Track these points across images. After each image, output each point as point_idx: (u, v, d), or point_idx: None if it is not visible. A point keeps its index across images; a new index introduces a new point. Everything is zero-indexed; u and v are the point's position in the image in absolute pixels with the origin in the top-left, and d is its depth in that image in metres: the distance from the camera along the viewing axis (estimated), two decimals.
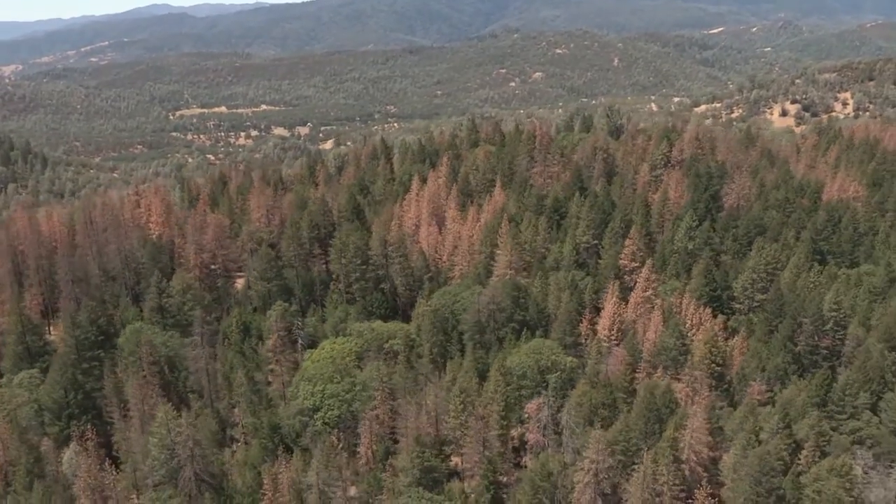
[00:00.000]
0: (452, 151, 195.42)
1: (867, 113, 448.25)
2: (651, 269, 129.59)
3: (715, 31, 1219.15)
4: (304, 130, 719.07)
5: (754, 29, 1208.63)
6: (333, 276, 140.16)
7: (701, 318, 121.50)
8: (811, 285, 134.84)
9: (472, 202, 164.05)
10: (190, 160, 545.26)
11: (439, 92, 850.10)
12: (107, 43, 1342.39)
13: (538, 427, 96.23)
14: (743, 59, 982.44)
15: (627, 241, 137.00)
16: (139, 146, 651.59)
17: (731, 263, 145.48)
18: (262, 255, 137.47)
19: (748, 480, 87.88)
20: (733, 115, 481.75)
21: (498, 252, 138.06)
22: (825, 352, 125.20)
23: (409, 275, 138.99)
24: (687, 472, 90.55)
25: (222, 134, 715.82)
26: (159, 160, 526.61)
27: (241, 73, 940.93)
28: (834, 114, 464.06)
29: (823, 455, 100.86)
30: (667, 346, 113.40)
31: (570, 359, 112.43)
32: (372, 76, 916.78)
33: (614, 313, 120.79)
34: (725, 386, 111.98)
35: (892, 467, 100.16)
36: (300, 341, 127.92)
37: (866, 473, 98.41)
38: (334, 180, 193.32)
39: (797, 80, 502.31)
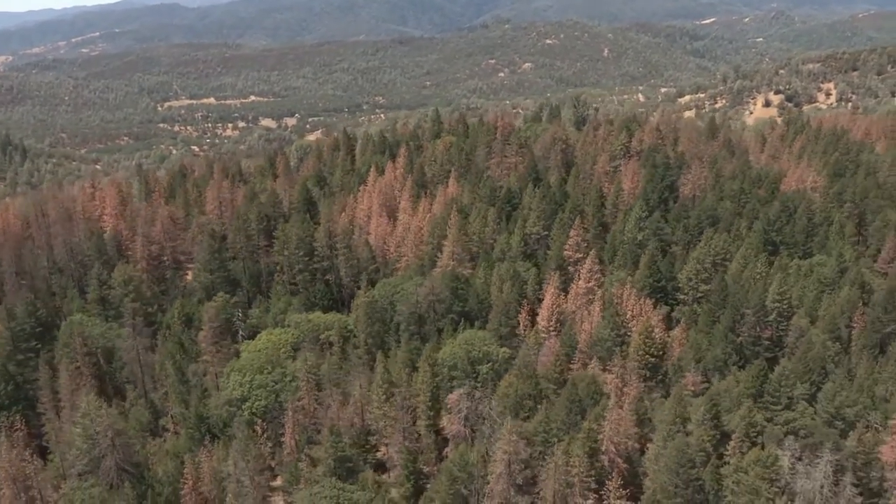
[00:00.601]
0: (414, 143, 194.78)
1: (850, 103, 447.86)
2: (594, 260, 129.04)
3: (707, 21, 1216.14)
4: (291, 121, 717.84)
5: (746, 19, 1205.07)
6: (278, 268, 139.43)
7: (641, 310, 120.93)
8: (757, 276, 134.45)
9: (426, 194, 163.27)
10: (174, 151, 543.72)
11: (428, 83, 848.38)
12: (98, 34, 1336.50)
13: (459, 418, 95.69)
14: (734, 49, 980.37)
15: (572, 232, 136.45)
16: (126, 138, 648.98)
17: (681, 254, 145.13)
18: (205, 247, 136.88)
19: (665, 471, 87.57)
20: (717, 106, 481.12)
21: (443, 243, 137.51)
22: (767, 343, 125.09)
23: (354, 266, 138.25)
24: (606, 463, 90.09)
25: (209, 125, 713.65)
26: (142, 151, 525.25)
27: (231, 64, 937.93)
28: (817, 104, 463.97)
29: (754, 446, 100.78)
30: (602, 338, 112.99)
31: (503, 350, 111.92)
32: (361, 67, 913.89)
33: (553, 304, 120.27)
34: (660, 377, 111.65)
35: (819, 458, 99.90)
36: (241, 332, 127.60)
37: (793, 466, 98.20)
38: (294, 172, 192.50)
39: (781, 71, 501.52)
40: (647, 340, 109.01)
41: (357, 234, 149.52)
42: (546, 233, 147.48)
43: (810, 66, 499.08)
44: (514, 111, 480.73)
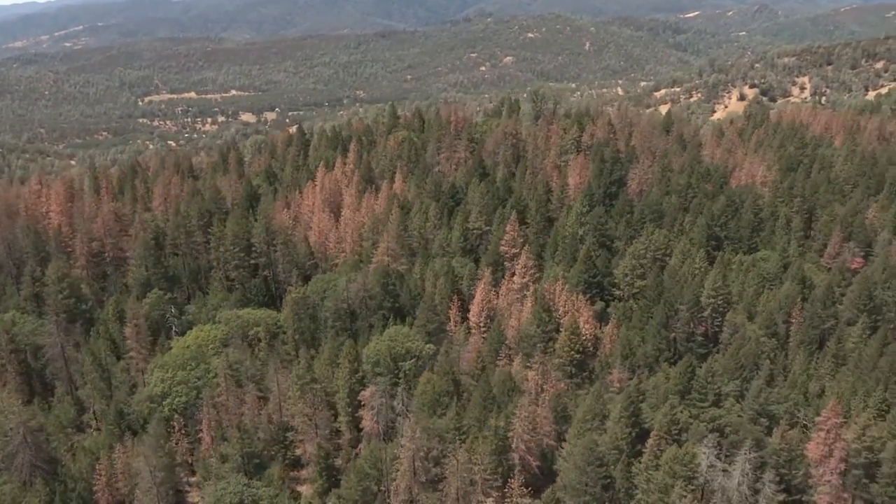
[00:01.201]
0: (367, 138, 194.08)
1: (824, 97, 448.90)
2: (528, 256, 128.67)
3: (691, 15, 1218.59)
4: (271, 116, 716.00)
5: (730, 13, 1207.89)
6: (214, 264, 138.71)
7: (574, 306, 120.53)
8: (696, 271, 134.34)
9: (373, 189, 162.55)
10: (150, 146, 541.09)
11: (409, 76, 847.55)
12: (81, 27, 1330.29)
13: (372, 415, 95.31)
14: (716, 43, 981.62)
15: (508, 228, 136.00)
16: (104, 133, 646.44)
17: (623, 250, 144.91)
18: (141, 243, 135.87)
19: (574, 469, 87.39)
20: (692, 100, 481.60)
21: (379, 239, 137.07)
22: (701, 339, 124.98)
23: (292, 262, 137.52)
24: (517, 461, 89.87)
25: (189, 120, 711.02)
26: (118, 147, 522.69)
27: (213, 58, 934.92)
28: (791, 98, 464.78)
29: (677, 444, 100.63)
30: (528, 334, 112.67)
31: (428, 346, 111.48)
32: (343, 61, 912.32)
33: (483, 300, 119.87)
34: (586, 374, 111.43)
35: (734, 455, 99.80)
36: (174, 329, 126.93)
37: (712, 463, 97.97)
38: (248, 168, 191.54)
39: (756, 65, 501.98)
40: (572, 337, 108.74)
41: (300, 230, 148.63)
42: (488, 228, 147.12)
43: (786, 59, 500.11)
44: (492, 105, 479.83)
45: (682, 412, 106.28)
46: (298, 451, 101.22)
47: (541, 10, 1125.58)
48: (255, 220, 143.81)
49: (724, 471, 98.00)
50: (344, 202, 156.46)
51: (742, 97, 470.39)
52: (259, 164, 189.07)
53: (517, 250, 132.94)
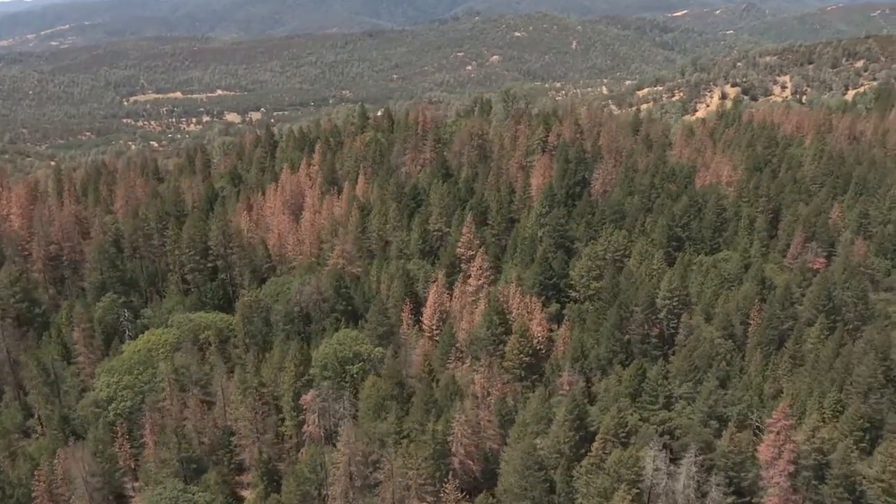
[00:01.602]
0: (335, 139, 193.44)
1: (804, 96, 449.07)
2: (483, 258, 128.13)
3: (679, 13, 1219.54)
4: (256, 116, 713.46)
5: (717, 11, 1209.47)
6: (171, 267, 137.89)
7: (527, 308, 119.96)
8: (654, 273, 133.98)
9: (336, 191, 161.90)
10: (133, 147, 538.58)
11: (395, 76, 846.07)
12: (67, 26, 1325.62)
13: (313, 418, 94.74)
14: (703, 41, 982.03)
15: (464, 230, 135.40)
16: (88, 133, 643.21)
17: (583, 251, 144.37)
18: (96, 247, 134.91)
19: (512, 473, 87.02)
20: (674, 98, 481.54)
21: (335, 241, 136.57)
22: (655, 341, 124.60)
23: (248, 265, 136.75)
24: (456, 465, 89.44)
25: (173, 120, 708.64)
26: (100, 147, 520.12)
27: (199, 58, 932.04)
28: (773, 97, 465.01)
29: (623, 447, 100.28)
30: (478, 337, 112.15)
31: (377, 349, 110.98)
32: (330, 60, 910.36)
33: (436, 302, 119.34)
34: (536, 377, 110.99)
35: (680, 458, 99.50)
36: (128, 332, 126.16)
37: (657, 467, 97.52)
38: (217, 169, 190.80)
39: (738, 64, 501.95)
40: (521, 340, 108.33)
41: (259, 232, 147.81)
42: (448, 230, 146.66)
43: (767, 58, 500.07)
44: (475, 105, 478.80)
45: (631, 415, 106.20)
46: (241, 456, 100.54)
47: (529, 9, 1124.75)
48: (219, 222, 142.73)
49: (670, 474, 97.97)
50: (305, 204, 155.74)
51: (724, 96, 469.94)
52: (225, 166, 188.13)
53: (473, 252, 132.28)
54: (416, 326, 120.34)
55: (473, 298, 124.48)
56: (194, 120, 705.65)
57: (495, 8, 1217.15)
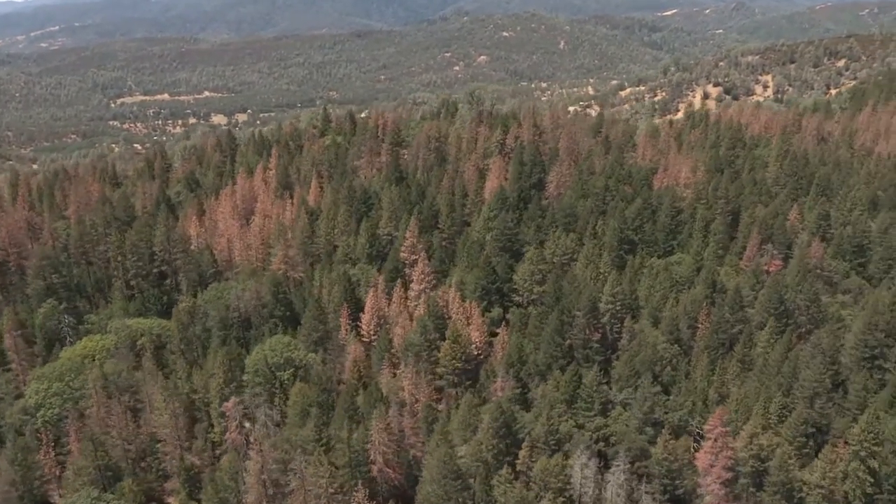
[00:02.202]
0: (294, 142, 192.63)
1: (786, 95, 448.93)
2: (425, 262, 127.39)
3: (669, 13, 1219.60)
4: (243, 117, 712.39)
5: (707, 11, 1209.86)
6: (115, 273, 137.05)
7: (466, 313, 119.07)
8: (600, 276, 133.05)
9: (289, 195, 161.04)
10: (116, 149, 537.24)
11: (383, 77, 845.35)
12: (57, 28, 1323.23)
13: (234, 425, 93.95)
14: (692, 41, 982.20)
15: (407, 234, 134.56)
16: (73, 135, 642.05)
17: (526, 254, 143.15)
18: (38, 253, 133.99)
19: (429, 481, 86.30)
20: (656, 98, 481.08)
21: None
22: (597, 345, 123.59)
23: (193, 271, 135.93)
24: (375, 473, 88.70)
25: (159, 122, 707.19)
26: (83, 150, 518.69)
27: (187, 59, 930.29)
28: (755, 96, 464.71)
29: (553, 454, 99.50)
30: (412, 342, 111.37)
31: (310, 355, 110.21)
32: (317, 61, 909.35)
33: (374, 308, 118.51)
34: (469, 383, 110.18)
35: (609, 465, 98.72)
36: (68, 339, 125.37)
37: (586, 475, 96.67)
38: (174, 174, 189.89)
39: (720, 63, 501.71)
40: (453, 346, 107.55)
41: (206, 237, 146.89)
42: (397, 234, 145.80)
43: (749, 58, 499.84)
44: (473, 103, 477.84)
45: (566, 421, 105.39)
46: (166, 463, 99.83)
47: (518, 9, 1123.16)
48: (163, 227, 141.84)
49: (598, 482, 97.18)
50: (256, 209, 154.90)
51: (706, 95, 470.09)
52: (183, 171, 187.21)
53: (416, 256, 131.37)
54: (354, 332, 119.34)
55: (416, 304, 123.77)
56: (180, 122, 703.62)
57: (484, 8, 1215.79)
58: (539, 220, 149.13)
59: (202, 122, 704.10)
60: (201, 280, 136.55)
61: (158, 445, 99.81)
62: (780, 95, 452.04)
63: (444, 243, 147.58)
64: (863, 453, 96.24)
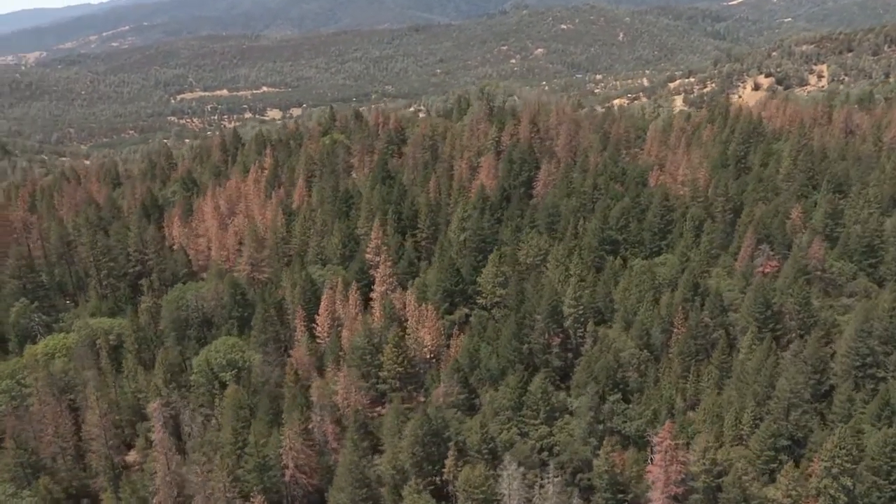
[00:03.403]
0: (295, 141, 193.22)
1: (841, 85, 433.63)
2: (387, 264, 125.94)
3: (734, 1, 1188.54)
4: (297, 112, 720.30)
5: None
6: (88, 273, 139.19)
7: (423, 315, 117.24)
8: (571, 278, 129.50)
9: (277, 195, 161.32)
10: (168, 144, 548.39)
11: (439, 70, 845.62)
12: (127, 27, 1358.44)
13: (159, 426, 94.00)
14: (757, 30, 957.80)
15: (373, 235, 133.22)
16: (131, 131, 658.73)
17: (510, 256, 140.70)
18: (14, 254, 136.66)
19: (338, 490, 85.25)
20: (706, 90, 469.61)
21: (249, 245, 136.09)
22: (557, 350, 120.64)
23: (166, 271, 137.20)
24: (287, 478, 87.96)
25: (215, 118, 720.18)
26: (136, 145, 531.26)
27: (247, 56, 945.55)
28: (808, 87, 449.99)
29: (483, 462, 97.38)
30: (357, 346, 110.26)
31: (258, 356, 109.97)
32: (375, 56, 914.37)
33: (328, 310, 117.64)
34: (411, 388, 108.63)
35: (538, 477, 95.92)
36: (39, 337, 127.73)
37: (513, 487, 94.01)
38: (174, 173, 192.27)
39: (773, 53, 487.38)
40: (395, 350, 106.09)
41: (189, 238, 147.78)
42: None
43: (804, 47, 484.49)
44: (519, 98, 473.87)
45: (509, 430, 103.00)
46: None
47: (579, 1, 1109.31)
48: (136, 228, 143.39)
49: (536, 493, 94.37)
50: (239, 209, 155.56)
51: (756, 87, 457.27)
52: (182, 170, 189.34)
53: (380, 258, 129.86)
54: (309, 334, 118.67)
55: (377, 305, 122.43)
56: (236, 117, 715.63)
57: (546, 1, 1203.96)
58: (518, 219, 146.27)
59: (257, 116, 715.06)
60: (174, 280, 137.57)
61: (93, 443, 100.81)
62: (834, 85, 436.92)
63: (423, 243, 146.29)
64: (835, 470, 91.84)
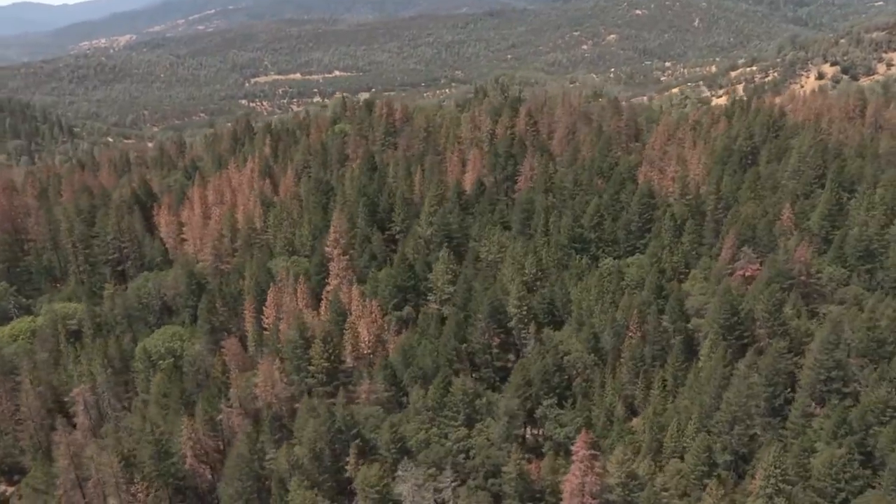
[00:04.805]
0: (302, 131, 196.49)
1: None
2: (341, 257, 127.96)
3: None
4: (365, 96, 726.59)
5: None
6: (69, 259, 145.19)
7: (367, 311, 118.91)
8: (525, 276, 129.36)
9: (260, 185, 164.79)
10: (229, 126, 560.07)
11: (510, 56, 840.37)
12: (213, 11, 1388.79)
13: (82, 410, 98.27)
14: (842, 15, 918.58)
15: (332, 228, 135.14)
16: (202, 114, 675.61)
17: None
18: (1, 239, 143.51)
19: (229, 479, 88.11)
20: (767, 79, 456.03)
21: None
22: (497, 351, 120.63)
23: (140, 259, 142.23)
24: (187, 466, 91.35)
25: (285, 101, 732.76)
26: (200, 128, 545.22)
27: (322, 40, 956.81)
28: (876, 76, 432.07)
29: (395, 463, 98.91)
30: (290, 339, 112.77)
31: (196, 346, 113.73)
32: (447, 40, 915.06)
33: (274, 302, 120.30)
34: (337, 383, 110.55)
35: (436, 480, 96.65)
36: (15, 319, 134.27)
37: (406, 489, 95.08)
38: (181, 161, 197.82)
39: (841, 41, 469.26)
40: (323, 345, 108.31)
41: (171, 227, 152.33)
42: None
43: (874, 34, 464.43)
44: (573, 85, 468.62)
45: (426, 431, 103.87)
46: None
47: None
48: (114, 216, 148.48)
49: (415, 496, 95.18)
50: (227, 199, 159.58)
51: (820, 76, 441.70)
52: (188, 159, 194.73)
53: (339, 251, 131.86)
54: (258, 325, 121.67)
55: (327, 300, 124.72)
56: (306, 100, 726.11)
57: None
58: (489, 215, 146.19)
59: (326, 100, 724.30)
60: (151, 269, 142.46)
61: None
62: None
63: (397, 237, 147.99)
64: (769, 490, 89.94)
